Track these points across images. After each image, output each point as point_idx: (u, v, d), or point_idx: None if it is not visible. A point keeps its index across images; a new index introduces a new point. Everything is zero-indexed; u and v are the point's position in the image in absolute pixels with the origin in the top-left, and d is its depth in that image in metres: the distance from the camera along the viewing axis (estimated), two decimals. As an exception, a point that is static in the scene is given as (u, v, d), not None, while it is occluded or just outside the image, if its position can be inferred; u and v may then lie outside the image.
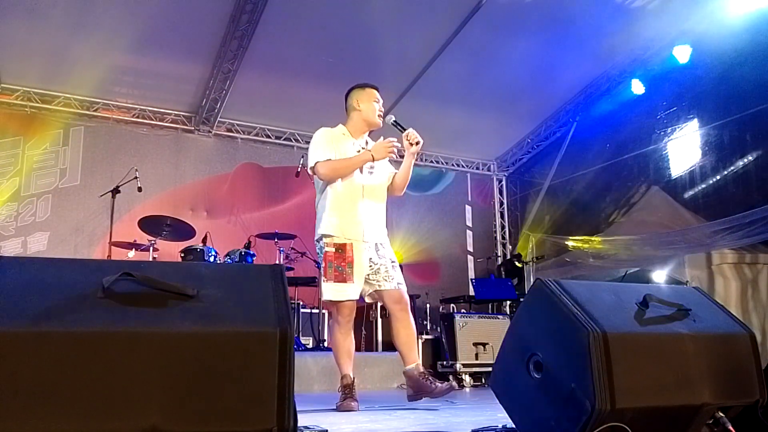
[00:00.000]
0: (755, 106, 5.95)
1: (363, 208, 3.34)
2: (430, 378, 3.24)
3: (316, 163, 3.31)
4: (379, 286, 3.30)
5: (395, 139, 3.38)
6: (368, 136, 3.57)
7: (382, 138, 3.39)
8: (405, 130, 3.43)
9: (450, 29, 6.59)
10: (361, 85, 3.59)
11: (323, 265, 3.25)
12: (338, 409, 3.14)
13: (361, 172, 3.38)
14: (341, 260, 3.22)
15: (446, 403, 3.62)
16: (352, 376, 3.26)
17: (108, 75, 6.90)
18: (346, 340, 3.30)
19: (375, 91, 3.57)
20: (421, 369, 3.28)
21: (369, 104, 3.50)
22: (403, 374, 3.37)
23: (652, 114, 7.10)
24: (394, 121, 3.49)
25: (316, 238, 3.37)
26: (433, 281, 8.47)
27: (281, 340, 1.33)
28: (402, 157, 3.48)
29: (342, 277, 3.20)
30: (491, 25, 6.45)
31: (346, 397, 3.18)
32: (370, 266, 3.29)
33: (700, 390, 1.68)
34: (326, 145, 3.36)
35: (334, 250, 3.23)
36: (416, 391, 3.26)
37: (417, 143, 3.38)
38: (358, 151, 3.40)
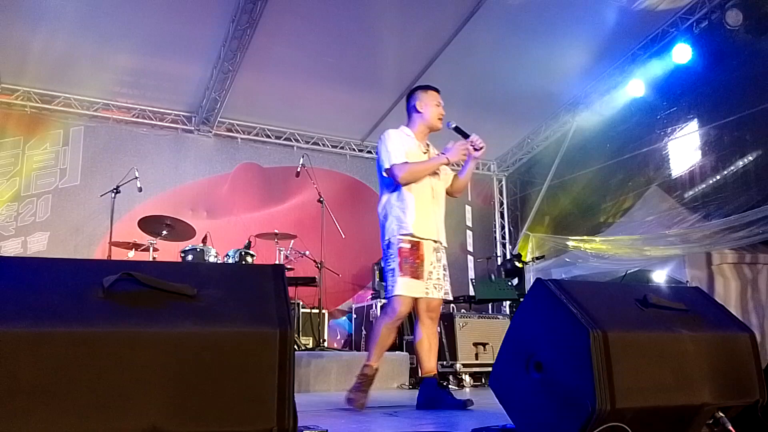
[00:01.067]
0: (755, 106, 5.94)
1: (433, 208, 3.36)
2: (447, 389, 3.29)
3: (392, 165, 3.27)
4: (426, 293, 3.25)
5: (468, 142, 3.37)
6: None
7: (452, 143, 3.38)
8: (467, 135, 3.41)
9: (450, 29, 6.59)
10: (423, 87, 3.54)
11: (398, 260, 3.20)
12: (347, 399, 3.15)
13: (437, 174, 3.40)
14: (415, 257, 3.22)
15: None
16: (375, 367, 3.25)
17: (108, 75, 6.91)
18: (390, 335, 3.31)
19: (437, 94, 3.52)
20: (438, 380, 3.33)
21: (432, 107, 3.46)
22: (420, 383, 3.39)
23: (652, 114, 7.10)
24: (455, 127, 3.44)
25: (387, 237, 3.30)
26: (433, 281, 8.45)
27: (281, 340, 1.33)
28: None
29: (416, 273, 3.19)
30: (491, 25, 6.45)
31: (361, 389, 3.16)
32: (428, 269, 3.27)
33: (700, 390, 1.68)
34: (401, 147, 3.33)
35: (409, 246, 3.22)
36: (429, 401, 3.27)
37: (481, 148, 3.38)
38: (424, 153, 3.41)
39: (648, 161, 7.16)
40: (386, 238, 3.30)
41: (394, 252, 3.24)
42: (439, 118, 3.46)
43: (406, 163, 3.26)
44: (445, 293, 3.32)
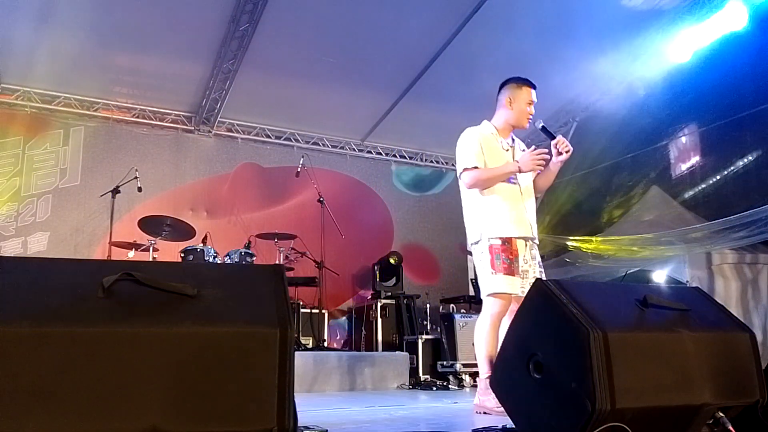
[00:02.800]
0: (755, 106, 5.94)
1: (525, 207, 3.26)
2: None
3: (463, 170, 3.23)
4: (522, 291, 3.07)
5: (546, 150, 3.25)
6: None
7: (533, 148, 3.28)
8: (554, 137, 3.29)
9: (450, 29, 6.59)
10: (517, 80, 3.39)
11: (490, 258, 3.09)
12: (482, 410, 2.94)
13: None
14: (509, 252, 3.10)
15: (446, 403, 3.62)
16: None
17: (108, 75, 6.90)
18: (495, 337, 3.10)
19: (532, 91, 3.37)
20: None
21: (522, 106, 3.34)
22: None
23: (652, 114, 7.09)
24: (542, 127, 3.33)
25: (474, 239, 3.22)
26: (433, 281, 8.47)
27: (281, 340, 1.33)
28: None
29: (511, 270, 3.08)
30: (491, 25, 6.45)
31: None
32: (522, 266, 3.16)
33: (700, 390, 1.68)
34: (476, 150, 3.24)
35: (500, 242, 3.11)
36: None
37: (567, 152, 3.26)
38: (507, 150, 3.31)
39: (648, 161, 7.16)
40: (474, 240, 3.22)
41: (482, 254, 3.15)
42: (528, 119, 3.35)
43: (477, 168, 3.20)
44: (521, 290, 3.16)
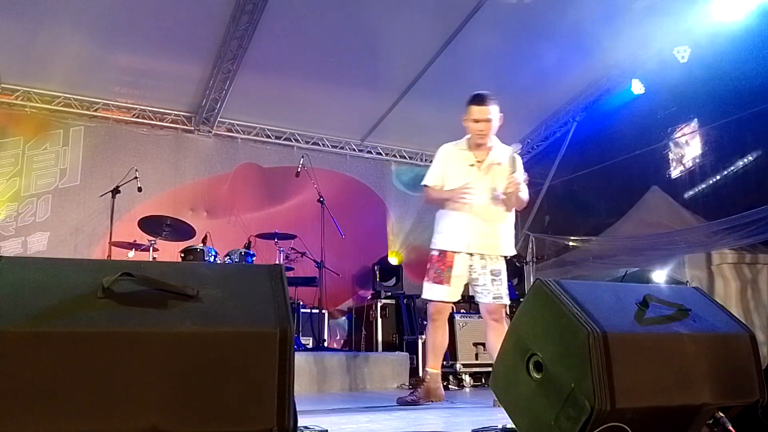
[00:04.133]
0: (755, 106, 5.94)
1: (470, 222, 3.49)
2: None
3: (423, 185, 3.68)
4: (478, 298, 3.52)
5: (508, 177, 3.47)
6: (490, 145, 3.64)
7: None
8: (513, 171, 3.50)
9: (450, 29, 6.59)
10: (470, 98, 3.62)
11: (427, 267, 3.57)
12: (415, 401, 3.46)
13: (479, 183, 3.51)
14: (441, 264, 3.50)
15: (446, 403, 3.63)
16: (432, 371, 3.53)
17: (108, 75, 6.90)
18: (434, 335, 3.55)
19: (474, 107, 3.56)
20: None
21: (469, 124, 3.59)
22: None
23: (652, 114, 7.09)
24: (511, 157, 3.53)
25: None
26: (433, 281, 8.45)
27: (281, 340, 1.33)
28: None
29: (439, 279, 3.48)
30: (491, 25, 6.45)
31: (431, 390, 3.45)
32: (470, 274, 3.49)
33: (700, 390, 1.68)
34: (434, 168, 3.67)
35: (437, 254, 3.53)
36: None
37: (509, 192, 3.47)
38: (471, 165, 3.55)
39: (648, 161, 7.16)
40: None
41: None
42: (477, 134, 3.55)
43: (426, 187, 3.64)
44: (493, 298, 3.47)
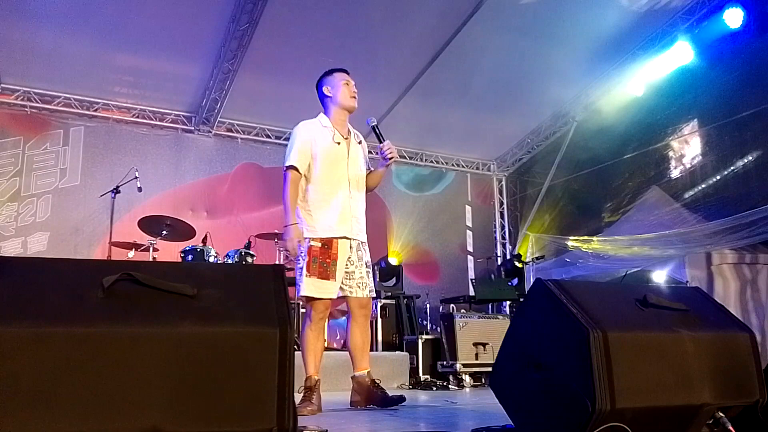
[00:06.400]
0: (755, 106, 5.95)
1: (350, 201, 3.21)
2: (381, 387, 3.25)
3: (285, 168, 3.17)
4: (351, 292, 3.19)
5: (381, 146, 3.26)
6: (349, 125, 3.41)
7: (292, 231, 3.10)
8: (382, 140, 3.29)
9: (450, 29, 6.59)
10: (327, 71, 3.41)
11: (307, 259, 3.07)
12: (300, 413, 2.95)
13: (347, 161, 3.24)
14: (326, 256, 3.09)
15: (446, 403, 3.62)
16: (316, 378, 3.16)
17: (108, 75, 6.91)
18: (317, 339, 3.21)
19: (345, 74, 3.37)
20: (372, 377, 3.27)
21: (340, 87, 3.31)
22: (351, 379, 3.33)
23: (652, 114, 7.10)
24: (374, 126, 3.34)
25: (291, 234, 3.10)
26: (433, 281, 8.47)
27: (281, 340, 1.33)
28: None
29: (326, 274, 3.07)
30: (491, 25, 6.45)
31: (304, 400, 3.03)
32: (347, 267, 3.17)
33: (700, 390, 1.68)
34: (299, 145, 3.20)
35: (320, 245, 3.09)
36: (364, 399, 3.22)
37: (391, 157, 3.26)
38: (338, 143, 3.24)
39: (648, 161, 7.16)
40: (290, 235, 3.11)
41: (302, 249, 3.11)
42: (351, 97, 3.31)
43: (292, 168, 3.13)
44: (369, 291, 3.23)
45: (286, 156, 3.19)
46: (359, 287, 3.19)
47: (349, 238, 3.17)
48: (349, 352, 3.35)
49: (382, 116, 7.84)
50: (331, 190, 3.17)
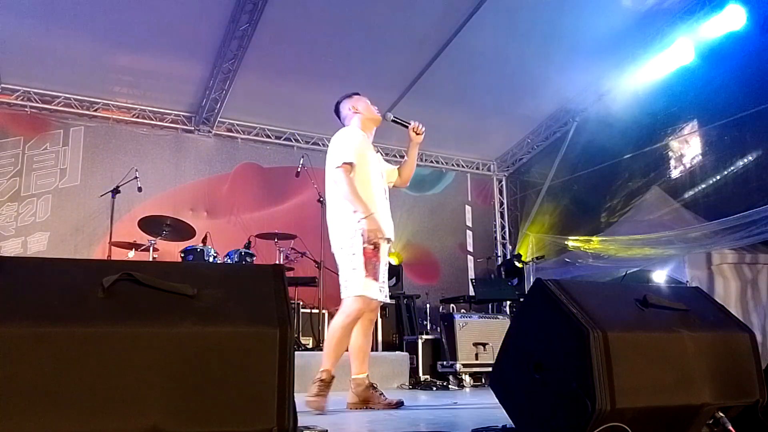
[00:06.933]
0: (755, 106, 5.94)
1: (388, 205, 3.39)
2: (380, 391, 3.27)
3: (343, 164, 3.18)
4: (379, 297, 3.23)
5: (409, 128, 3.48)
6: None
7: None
8: (408, 123, 3.51)
9: (450, 29, 6.59)
10: (346, 96, 3.64)
11: (363, 259, 3.09)
12: (309, 404, 3.02)
13: (381, 169, 3.43)
14: (377, 258, 3.15)
15: (446, 403, 3.62)
16: (332, 375, 3.17)
17: (108, 75, 6.90)
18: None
19: (363, 96, 3.65)
20: (370, 380, 3.29)
21: (364, 105, 3.53)
22: (351, 381, 3.32)
23: (652, 114, 7.09)
24: (394, 118, 3.55)
25: (348, 235, 3.15)
26: (433, 281, 8.47)
27: (281, 340, 1.33)
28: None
29: (376, 275, 3.13)
30: (491, 25, 6.45)
31: (319, 394, 3.06)
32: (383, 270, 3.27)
33: (700, 390, 1.68)
34: (357, 145, 3.28)
35: (372, 246, 3.13)
36: (362, 401, 3.24)
37: (423, 131, 3.49)
38: (376, 152, 3.47)
39: (648, 161, 7.16)
40: (346, 235, 3.17)
41: (351, 248, 3.13)
42: (377, 117, 3.53)
43: (348, 164, 3.18)
44: (386, 295, 3.28)
45: (340, 154, 3.22)
46: (381, 290, 3.22)
47: (389, 242, 3.28)
48: (351, 354, 3.32)
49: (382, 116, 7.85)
50: (377, 194, 3.29)
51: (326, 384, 3.12)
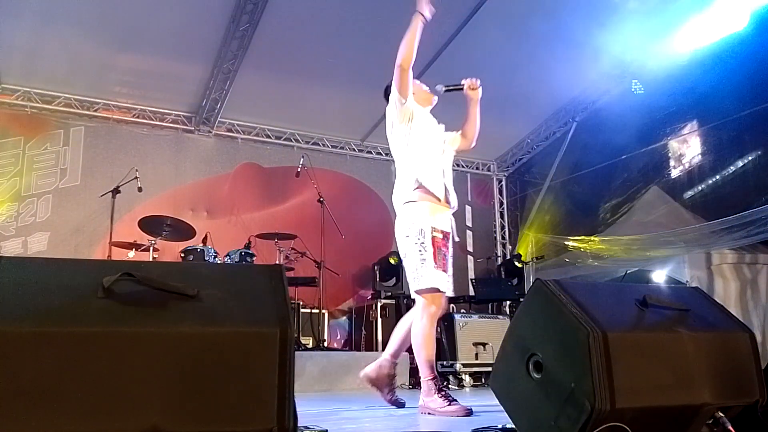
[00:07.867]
0: (755, 106, 5.94)
1: (450, 178, 3.23)
2: (396, 385, 3.21)
3: (399, 65, 3.09)
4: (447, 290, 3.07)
5: (466, 87, 3.36)
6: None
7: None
8: (461, 85, 3.39)
9: (450, 29, 6.59)
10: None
11: (432, 250, 2.92)
12: (450, 413, 2.79)
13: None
14: (446, 248, 2.99)
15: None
16: (435, 374, 2.98)
17: (108, 75, 6.90)
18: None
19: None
20: (395, 371, 3.19)
21: (416, 86, 3.43)
22: (383, 357, 3.19)
23: (652, 114, 7.09)
24: (446, 87, 3.41)
25: (414, 222, 2.98)
26: (433, 281, 8.45)
27: (281, 340, 1.33)
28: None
29: (445, 267, 2.97)
30: (491, 24, 6.45)
31: (445, 397, 2.85)
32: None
33: (700, 390, 1.68)
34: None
35: (441, 236, 2.98)
36: (376, 378, 3.13)
37: (479, 86, 3.37)
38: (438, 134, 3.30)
39: (648, 161, 7.16)
40: (413, 222, 2.97)
41: (419, 237, 2.95)
42: (428, 91, 3.43)
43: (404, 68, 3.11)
44: (452, 291, 3.11)
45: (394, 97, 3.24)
46: (449, 282, 3.05)
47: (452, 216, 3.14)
48: (394, 333, 3.18)
49: (382, 116, 7.83)
50: (435, 162, 3.19)
51: (439, 386, 2.94)
